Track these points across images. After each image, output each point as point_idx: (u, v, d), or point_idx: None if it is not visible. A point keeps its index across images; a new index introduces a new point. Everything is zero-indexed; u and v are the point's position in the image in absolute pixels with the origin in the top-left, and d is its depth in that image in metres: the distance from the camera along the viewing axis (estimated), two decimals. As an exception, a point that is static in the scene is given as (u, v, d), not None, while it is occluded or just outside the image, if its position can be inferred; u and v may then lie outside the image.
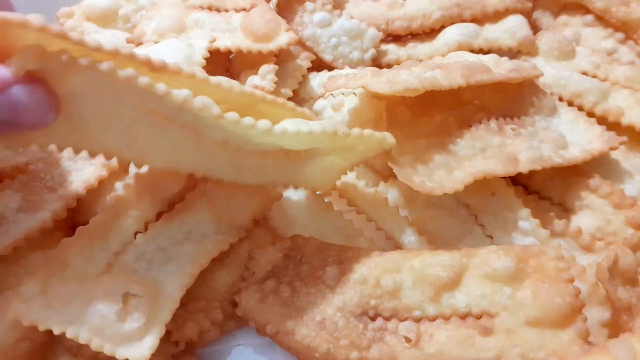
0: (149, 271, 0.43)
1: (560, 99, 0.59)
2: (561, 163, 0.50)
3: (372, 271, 0.44)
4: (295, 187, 0.49)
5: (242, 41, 0.59)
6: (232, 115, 0.37)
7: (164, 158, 0.41)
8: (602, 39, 0.66)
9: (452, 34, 0.64)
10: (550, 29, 0.68)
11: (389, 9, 0.66)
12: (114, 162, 0.50)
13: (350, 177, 0.53)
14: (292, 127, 0.39)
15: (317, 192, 0.52)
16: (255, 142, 0.40)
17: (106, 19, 0.64)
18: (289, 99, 0.59)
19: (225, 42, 0.58)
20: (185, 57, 0.55)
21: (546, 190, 0.54)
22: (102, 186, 0.50)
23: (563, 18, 0.69)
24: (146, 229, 0.46)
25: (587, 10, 0.68)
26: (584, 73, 0.61)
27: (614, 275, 0.43)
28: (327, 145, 0.43)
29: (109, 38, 0.62)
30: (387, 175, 0.52)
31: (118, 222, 0.45)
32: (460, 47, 0.64)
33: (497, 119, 0.53)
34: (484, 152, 0.50)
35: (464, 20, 0.65)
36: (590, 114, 0.57)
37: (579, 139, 0.54)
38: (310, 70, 0.62)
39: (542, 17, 0.71)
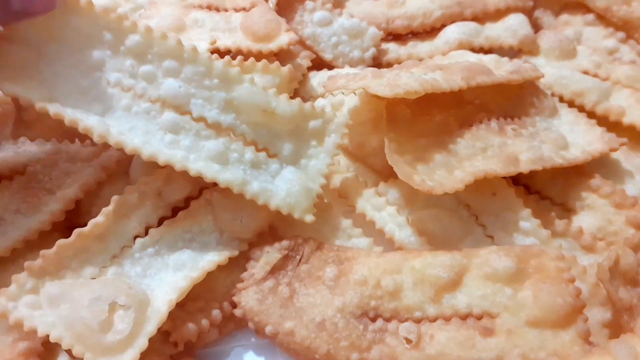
0: (143, 277, 0.43)
1: (561, 99, 0.59)
2: (562, 163, 0.50)
3: (372, 272, 0.44)
4: None
5: (242, 41, 0.59)
6: None
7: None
8: (603, 38, 0.66)
9: (453, 32, 0.64)
10: (551, 28, 0.68)
11: (389, 8, 0.65)
12: (113, 164, 0.50)
13: (350, 177, 0.53)
14: None
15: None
16: None
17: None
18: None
19: (225, 42, 0.58)
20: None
21: (547, 191, 0.54)
22: (100, 188, 0.50)
23: (564, 17, 0.69)
24: (147, 233, 0.45)
25: (588, 9, 0.68)
26: (585, 72, 0.61)
27: (615, 275, 0.43)
28: None
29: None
30: (387, 175, 0.52)
31: (118, 226, 0.45)
32: (461, 46, 0.64)
33: (497, 119, 0.53)
34: (485, 152, 0.50)
35: (464, 19, 0.65)
36: (591, 114, 0.57)
37: (579, 139, 0.54)
38: (310, 69, 0.62)
39: (543, 16, 0.70)
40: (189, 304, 0.45)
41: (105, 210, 0.45)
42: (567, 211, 0.52)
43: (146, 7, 0.64)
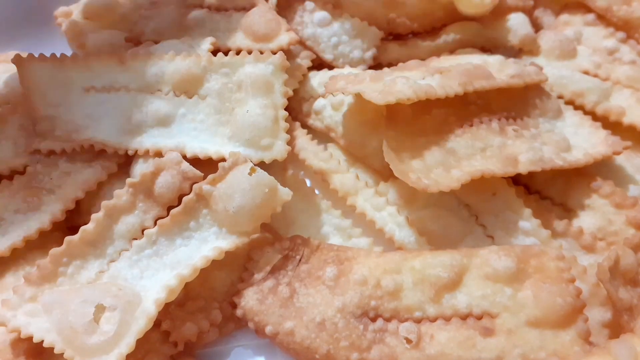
0: (140, 279, 0.43)
1: (561, 99, 0.58)
2: (562, 165, 0.50)
3: (372, 272, 0.44)
4: None
5: (243, 41, 0.59)
6: None
7: None
8: (603, 38, 0.66)
9: (453, 32, 0.64)
10: (551, 28, 0.68)
11: (389, 8, 0.65)
12: (114, 165, 0.50)
13: (350, 177, 0.53)
14: None
15: (317, 192, 0.52)
16: None
17: (105, 18, 0.63)
18: (289, 98, 0.59)
19: (225, 42, 0.58)
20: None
21: (547, 191, 0.53)
22: (100, 188, 0.50)
23: (564, 17, 0.69)
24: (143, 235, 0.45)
25: (588, 9, 0.68)
26: (585, 72, 0.61)
27: (615, 275, 0.43)
28: None
29: (107, 37, 0.61)
30: (387, 175, 0.52)
31: (110, 230, 0.45)
32: (461, 46, 0.64)
33: (499, 120, 0.53)
34: (484, 152, 0.50)
35: (465, 19, 0.65)
36: (591, 114, 0.57)
37: (582, 142, 0.54)
38: (310, 69, 0.62)
39: (544, 15, 0.70)
40: (189, 303, 0.45)
41: (94, 216, 0.45)
42: (567, 211, 0.52)
43: (146, 7, 0.63)
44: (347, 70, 0.61)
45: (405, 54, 0.64)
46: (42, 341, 0.40)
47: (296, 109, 0.60)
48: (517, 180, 0.53)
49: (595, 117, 0.57)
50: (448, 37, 0.64)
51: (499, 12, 0.65)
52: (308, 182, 0.54)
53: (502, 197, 0.50)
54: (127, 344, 0.39)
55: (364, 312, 0.42)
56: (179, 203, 0.46)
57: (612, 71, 0.61)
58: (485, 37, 0.64)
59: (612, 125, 0.56)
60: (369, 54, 0.63)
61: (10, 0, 0.61)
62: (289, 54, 0.61)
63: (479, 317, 0.42)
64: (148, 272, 0.43)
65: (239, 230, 0.45)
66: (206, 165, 0.49)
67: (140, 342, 0.40)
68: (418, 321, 0.42)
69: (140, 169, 0.49)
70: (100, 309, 0.40)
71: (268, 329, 0.42)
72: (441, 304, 0.42)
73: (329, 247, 0.46)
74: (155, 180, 0.46)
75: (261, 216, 0.45)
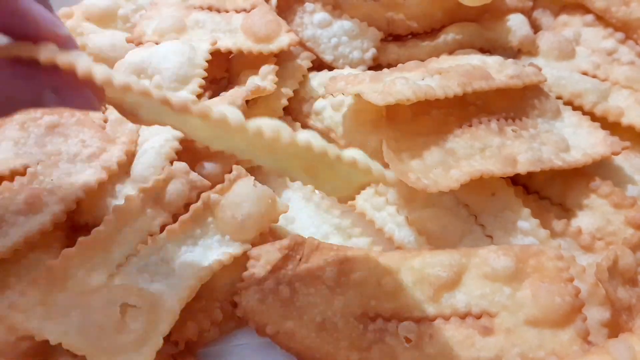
0: (150, 283, 0.43)
1: (560, 99, 0.59)
2: (561, 166, 0.50)
3: (372, 271, 0.44)
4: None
5: (243, 42, 0.59)
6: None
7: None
8: (602, 39, 0.66)
9: (453, 32, 0.64)
10: (550, 29, 0.68)
11: (389, 9, 0.66)
12: (114, 165, 0.50)
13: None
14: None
15: (316, 192, 0.52)
16: None
17: (105, 19, 0.63)
18: (289, 99, 0.59)
19: (226, 43, 0.58)
20: (187, 59, 0.55)
21: (546, 190, 0.54)
22: (102, 188, 0.50)
23: (563, 18, 0.69)
24: (150, 240, 0.45)
25: (587, 10, 0.68)
26: (584, 73, 0.61)
27: (613, 275, 0.43)
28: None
29: (108, 38, 0.62)
30: (387, 175, 0.52)
31: (121, 234, 0.45)
32: (460, 46, 0.64)
33: (498, 120, 0.53)
34: (483, 152, 0.50)
35: (464, 19, 0.65)
36: (590, 114, 0.57)
37: (581, 142, 0.54)
38: (310, 70, 0.62)
39: (542, 16, 0.71)
40: (190, 303, 0.45)
41: (106, 218, 0.45)
42: (566, 211, 0.52)
43: (147, 8, 0.64)
44: (347, 71, 0.62)
45: (405, 54, 0.64)
46: (45, 341, 0.40)
47: (296, 109, 0.60)
48: (515, 181, 0.53)
49: (594, 117, 0.57)
50: (447, 37, 0.64)
51: (498, 13, 0.66)
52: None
53: (501, 197, 0.50)
54: (155, 342, 0.40)
55: (364, 312, 0.43)
56: (185, 211, 0.47)
57: (611, 72, 0.61)
58: (484, 37, 0.65)
59: (610, 125, 0.56)
60: (369, 54, 0.64)
61: (11, 1, 0.61)
62: (289, 55, 0.61)
63: (478, 317, 0.42)
64: (158, 277, 0.44)
65: (242, 238, 0.47)
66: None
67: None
68: (417, 321, 0.42)
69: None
70: (124, 309, 0.40)
71: (268, 329, 0.42)
72: (440, 303, 0.42)
73: (329, 247, 0.46)
74: (166, 187, 0.47)
75: (263, 225, 0.47)
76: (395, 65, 0.60)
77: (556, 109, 0.56)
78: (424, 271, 0.43)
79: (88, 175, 0.50)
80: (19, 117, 0.53)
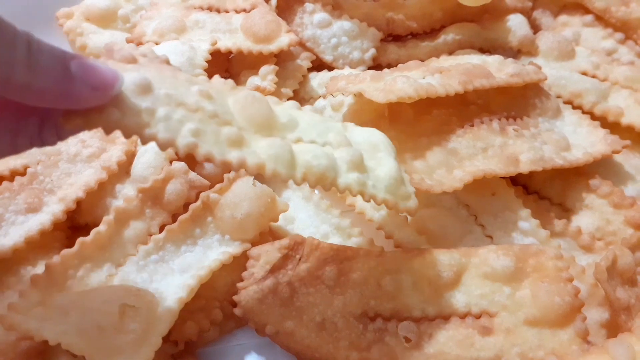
0: (150, 283, 0.43)
1: (559, 98, 0.59)
2: (562, 165, 0.50)
3: (372, 271, 0.44)
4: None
5: (243, 42, 0.59)
6: None
7: None
8: (602, 39, 0.66)
9: (453, 33, 0.64)
10: (550, 29, 0.68)
11: (389, 9, 0.66)
12: (114, 165, 0.50)
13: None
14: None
15: (316, 192, 0.52)
16: None
17: (105, 19, 0.64)
18: (289, 99, 0.59)
19: (226, 43, 0.58)
20: (187, 59, 0.55)
21: (546, 190, 0.54)
22: (101, 188, 0.50)
23: (563, 18, 0.69)
24: (149, 240, 0.46)
25: (586, 10, 0.68)
26: (584, 73, 0.61)
27: (612, 275, 0.44)
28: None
29: (108, 38, 0.62)
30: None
31: (120, 234, 0.45)
32: (460, 47, 0.64)
33: (499, 120, 0.53)
34: (485, 152, 0.50)
35: (464, 20, 0.65)
36: (590, 114, 0.58)
37: (582, 141, 0.54)
38: (310, 70, 0.62)
39: (542, 16, 0.71)
40: (189, 302, 0.45)
41: (106, 218, 0.45)
42: (565, 211, 0.53)
43: (147, 8, 0.64)
44: (347, 71, 0.62)
45: (405, 54, 0.64)
46: (45, 341, 0.40)
47: (296, 109, 0.60)
48: (516, 181, 0.53)
49: (593, 117, 0.57)
50: (447, 37, 0.64)
51: (498, 13, 0.66)
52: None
53: (501, 197, 0.50)
54: (154, 342, 0.40)
55: (364, 312, 0.43)
56: (184, 211, 0.47)
57: (611, 72, 0.61)
58: (484, 38, 0.65)
59: (610, 125, 0.56)
60: (369, 54, 0.64)
61: (11, 1, 0.61)
62: (289, 55, 0.61)
63: (478, 316, 0.42)
64: (157, 277, 0.44)
65: (242, 237, 0.47)
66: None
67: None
68: (417, 320, 0.42)
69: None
70: (123, 309, 0.40)
71: (268, 328, 0.42)
72: (440, 303, 0.42)
73: (329, 247, 0.46)
74: (165, 187, 0.47)
75: (263, 224, 0.47)
76: (395, 66, 0.60)
77: (556, 108, 0.56)
78: (423, 271, 0.43)
79: (88, 175, 0.50)
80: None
